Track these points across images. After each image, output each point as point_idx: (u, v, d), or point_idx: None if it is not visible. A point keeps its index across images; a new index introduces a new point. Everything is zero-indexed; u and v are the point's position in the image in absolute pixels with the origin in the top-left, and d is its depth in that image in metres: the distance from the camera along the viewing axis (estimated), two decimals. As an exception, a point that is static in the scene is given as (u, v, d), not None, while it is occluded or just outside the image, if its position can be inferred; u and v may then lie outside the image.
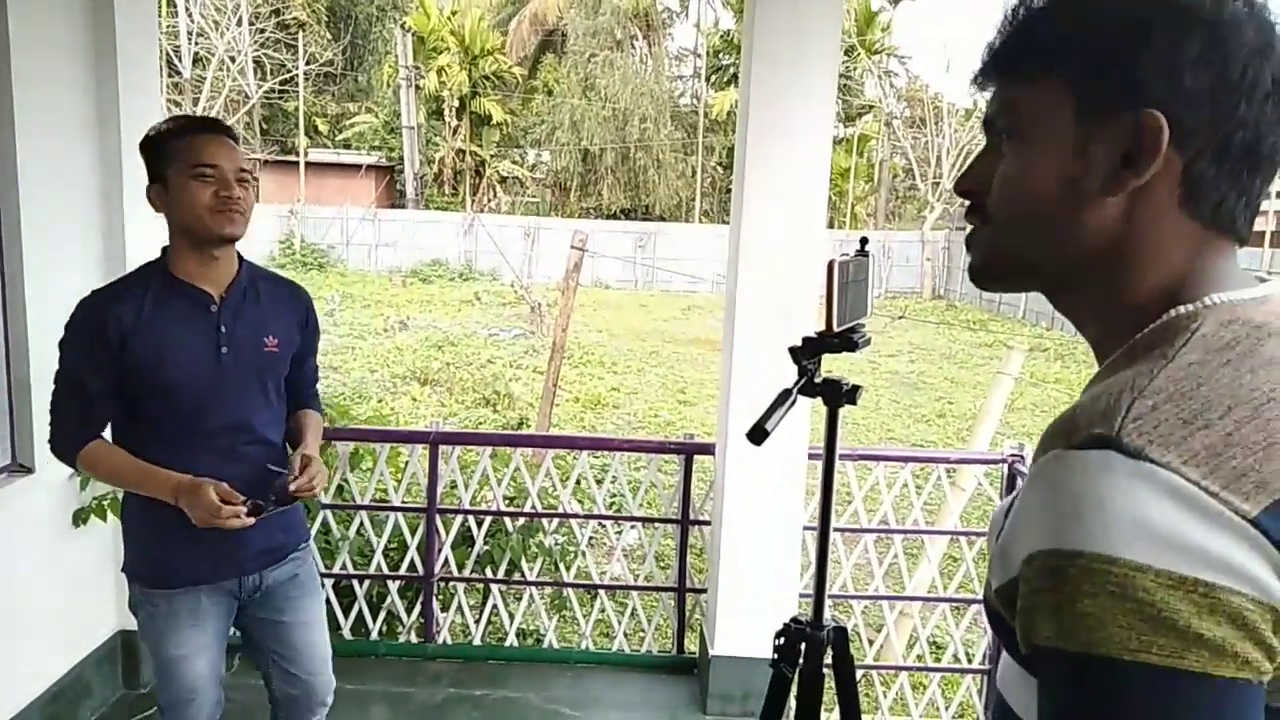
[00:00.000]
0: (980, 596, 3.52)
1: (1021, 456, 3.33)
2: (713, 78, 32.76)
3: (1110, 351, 0.68)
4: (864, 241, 1.20)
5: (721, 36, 32.99)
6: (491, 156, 30.40)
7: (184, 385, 1.84)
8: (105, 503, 2.85)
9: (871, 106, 31.85)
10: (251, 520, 1.80)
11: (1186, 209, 0.65)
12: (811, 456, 2.96)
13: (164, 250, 1.91)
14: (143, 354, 1.81)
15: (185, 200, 1.81)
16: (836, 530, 3.55)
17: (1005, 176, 0.70)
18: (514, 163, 31.13)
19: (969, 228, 0.74)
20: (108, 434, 1.92)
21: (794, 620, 1.41)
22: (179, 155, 1.81)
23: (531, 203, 31.22)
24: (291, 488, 1.87)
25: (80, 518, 2.82)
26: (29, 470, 2.63)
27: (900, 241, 26.89)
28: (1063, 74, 0.66)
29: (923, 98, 30.02)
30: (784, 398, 1.14)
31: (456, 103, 29.65)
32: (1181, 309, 0.64)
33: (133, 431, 1.88)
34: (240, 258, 1.97)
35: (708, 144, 30.94)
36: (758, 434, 1.02)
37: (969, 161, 0.74)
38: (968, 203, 0.74)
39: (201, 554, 1.90)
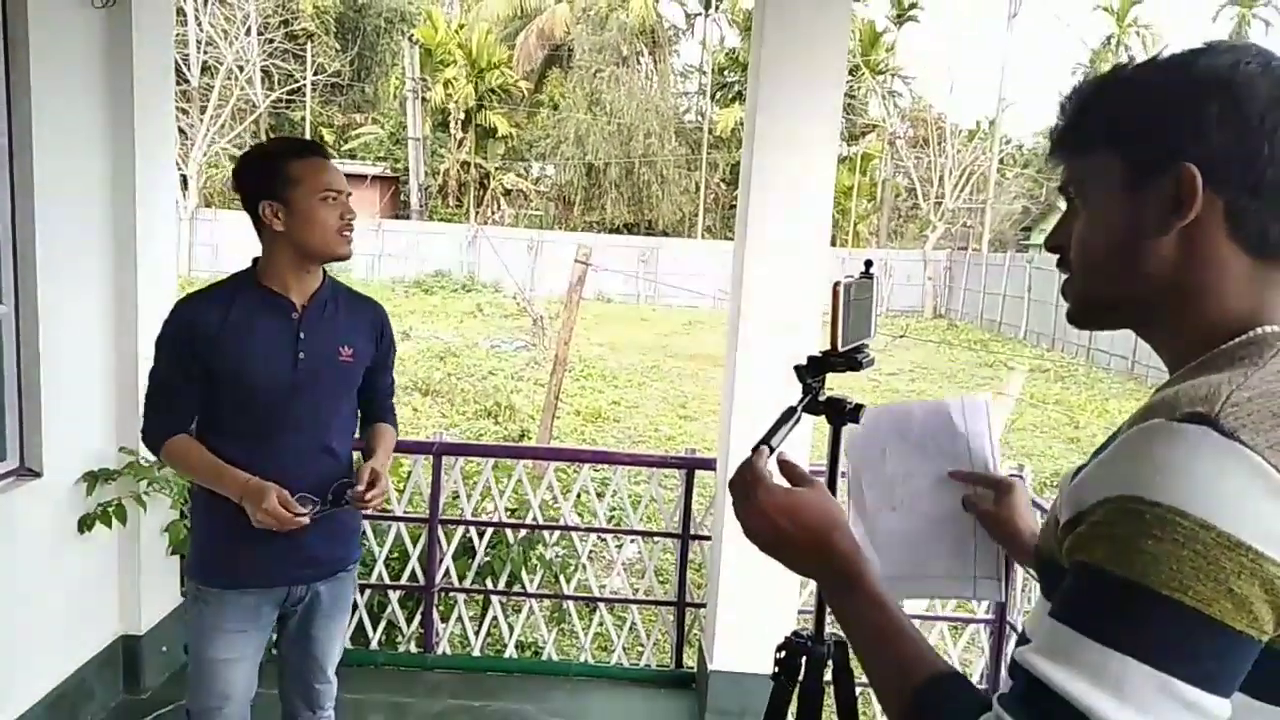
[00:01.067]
0: (979, 616, 3.53)
1: (1021, 476, 3.34)
2: (718, 94, 32.95)
3: (1185, 362, 0.79)
4: (869, 264, 1.23)
5: (727, 54, 33.21)
6: (496, 169, 30.53)
7: (262, 388, 1.91)
8: (110, 509, 2.87)
9: (875, 126, 32.02)
10: (306, 520, 1.86)
11: (1235, 241, 0.76)
12: (813, 473, 2.98)
13: (255, 260, 2.00)
14: (226, 356, 1.90)
15: (314, 221, 1.91)
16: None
17: (1079, 232, 0.84)
18: (518, 175, 31.27)
19: (1063, 276, 0.89)
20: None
21: (795, 634, 1.43)
22: (306, 178, 1.90)
23: (535, 216, 31.33)
24: (354, 498, 1.92)
25: (86, 524, 2.83)
26: (37, 474, 2.65)
27: (902, 260, 26.97)
28: (1112, 147, 0.80)
29: (926, 118, 30.19)
30: (788, 415, 1.16)
31: (462, 115, 29.81)
32: (1270, 329, 0.76)
33: (213, 430, 1.96)
34: (325, 272, 2.05)
35: (711, 160, 31.08)
36: (760, 450, 1.04)
37: (1055, 222, 0.89)
38: (1058, 256, 0.89)
39: (260, 556, 1.95)
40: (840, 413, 1.26)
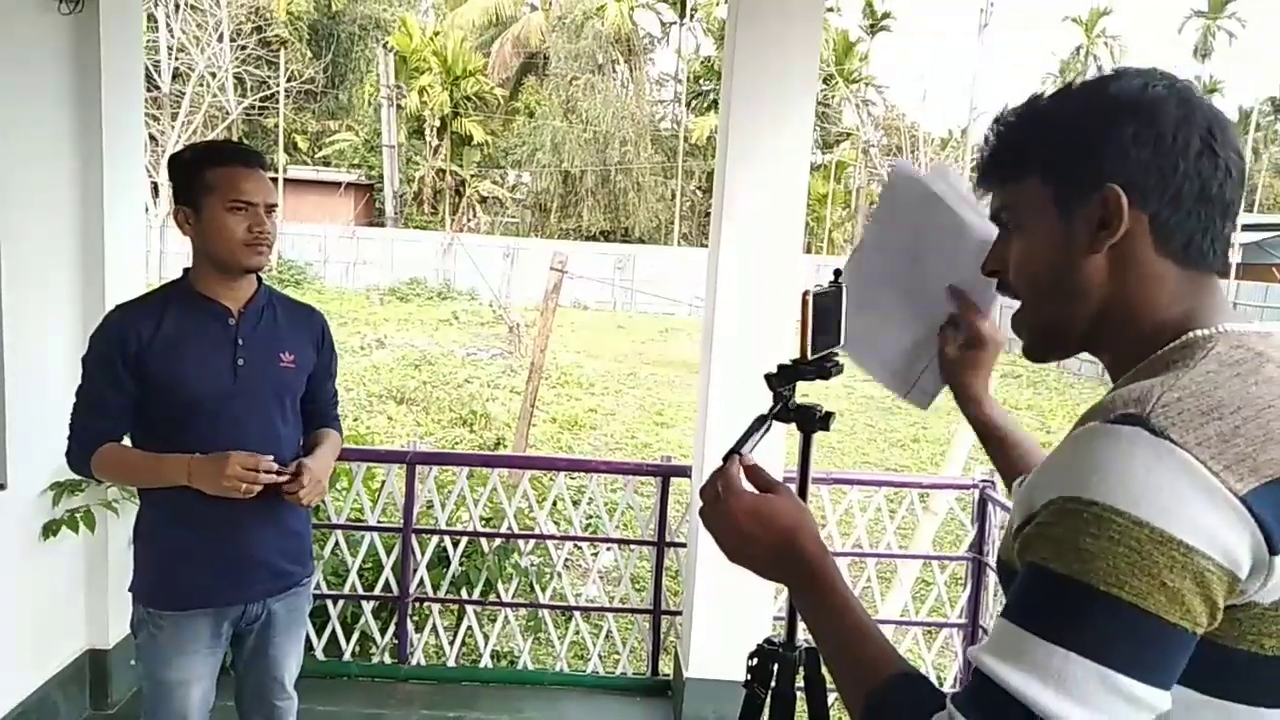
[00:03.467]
0: (952, 621, 3.56)
1: (992, 482, 3.39)
2: (693, 103, 33.12)
3: (1125, 370, 0.83)
4: (838, 273, 1.24)
5: (702, 63, 33.39)
6: (472, 176, 30.47)
7: (201, 396, 1.87)
8: (79, 515, 2.82)
9: (849, 134, 32.32)
10: (270, 475, 1.82)
11: (1162, 252, 0.80)
12: (786, 480, 2.99)
13: (185, 270, 1.96)
14: (161, 366, 1.85)
15: (219, 232, 1.85)
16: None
17: (1016, 257, 0.88)
18: (494, 183, 31.22)
19: (1016, 306, 0.92)
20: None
21: (767, 641, 1.43)
22: (216, 186, 1.85)
23: (511, 223, 31.28)
24: (284, 487, 1.87)
25: (51, 530, 2.78)
26: (2, 486, 2.60)
27: (877, 267, 27.15)
28: (1038, 174, 0.84)
29: (899, 126, 30.51)
30: (759, 423, 1.17)
31: (438, 122, 29.73)
32: (1199, 332, 0.79)
33: (150, 446, 1.91)
34: (259, 278, 2.01)
35: (687, 168, 31.21)
36: (732, 459, 1.05)
37: (990, 248, 0.92)
38: (996, 280, 0.92)
39: (211, 577, 1.92)
40: (811, 420, 1.27)
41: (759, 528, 0.93)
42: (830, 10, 32.35)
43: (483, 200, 30.70)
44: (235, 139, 25.61)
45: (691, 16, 33.12)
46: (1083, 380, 17.46)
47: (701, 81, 32.94)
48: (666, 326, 22.11)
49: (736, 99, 2.89)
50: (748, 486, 0.99)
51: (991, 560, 3.30)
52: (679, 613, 3.52)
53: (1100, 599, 0.66)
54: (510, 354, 15.74)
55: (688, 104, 33.22)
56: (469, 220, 29.92)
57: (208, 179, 1.86)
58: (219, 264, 1.91)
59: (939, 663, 3.68)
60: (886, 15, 33.88)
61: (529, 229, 30.86)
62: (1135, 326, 0.82)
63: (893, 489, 3.79)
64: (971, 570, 3.47)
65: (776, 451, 2.91)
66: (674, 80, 35.48)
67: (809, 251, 29.36)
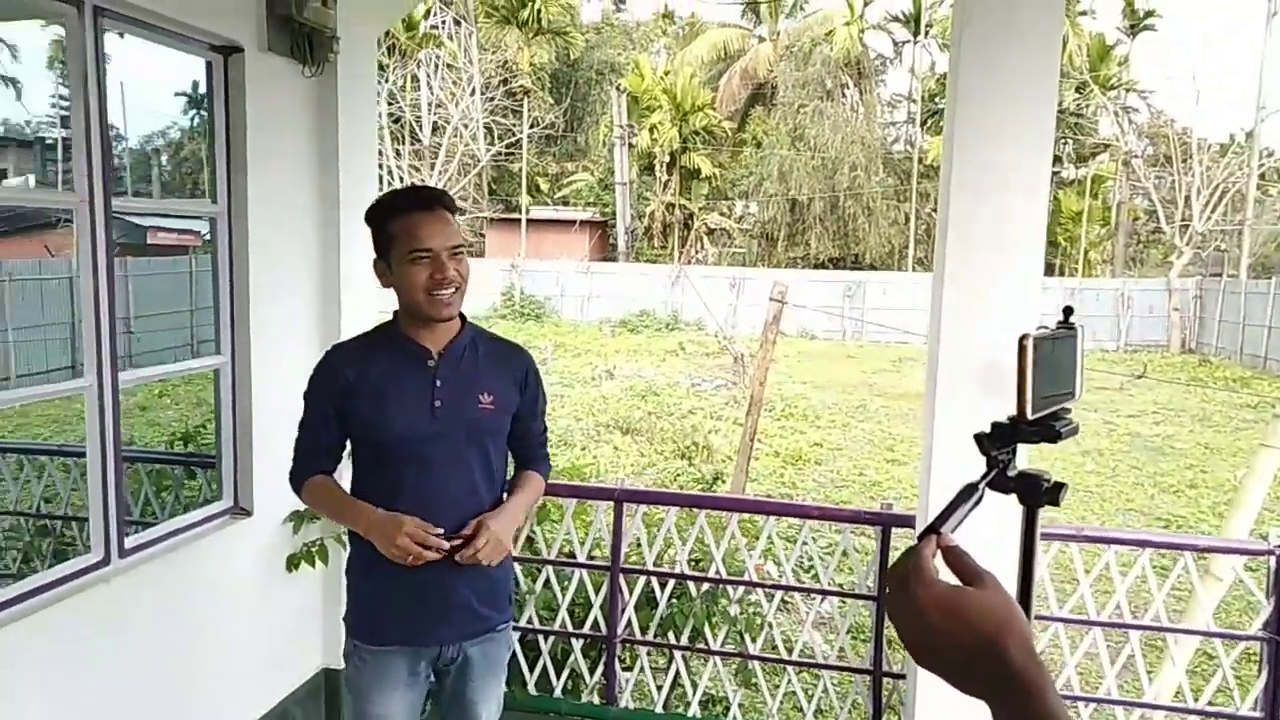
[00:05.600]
0: (1243, 714, 2.98)
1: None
2: (928, 121, 31.71)
3: None
4: (1068, 311, 1.00)
5: (938, 80, 31.92)
6: (700, 209, 30.97)
7: (399, 435, 1.92)
8: (314, 549, 3.03)
9: (1107, 145, 29.51)
10: (435, 554, 1.84)
11: None
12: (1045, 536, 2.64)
13: (395, 313, 2.04)
14: (364, 404, 1.93)
15: (405, 282, 1.91)
16: (1059, 621, 3.15)
17: None
18: (721, 214, 31.53)
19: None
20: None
21: None
22: (398, 237, 1.90)
23: (738, 253, 31.39)
24: (456, 555, 1.87)
25: (293, 563, 3.00)
26: (248, 514, 2.84)
27: (1142, 290, 24.47)
28: None
29: (1168, 133, 27.39)
30: (967, 493, 0.97)
31: (667, 158, 30.56)
32: None
33: (357, 480, 2.01)
34: (463, 318, 2.04)
35: (922, 190, 29.86)
36: (928, 539, 0.86)
37: None
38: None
39: (408, 616, 1.96)
40: (1035, 492, 1.03)
41: (953, 626, 0.76)
42: (1084, 14, 29.89)
43: (710, 232, 31.08)
44: (485, 184, 27.77)
45: (926, 33, 31.82)
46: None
47: (937, 99, 31.48)
48: (899, 356, 21.09)
49: (962, 111, 2.61)
50: (946, 574, 0.82)
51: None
52: (903, 676, 3.21)
53: None
54: (734, 384, 15.66)
55: (922, 123, 31.86)
56: (697, 252, 30.38)
57: (390, 230, 1.91)
58: (409, 313, 1.96)
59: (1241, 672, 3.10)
60: (1150, 14, 30.72)
61: (756, 259, 30.81)
62: None
63: (1160, 551, 3.27)
64: (1269, 653, 2.89)
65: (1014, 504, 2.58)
66: (907, 100, 34.23)
67: (1060, 274, 27.04)
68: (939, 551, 0.85)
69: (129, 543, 2.46)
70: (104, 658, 2.34)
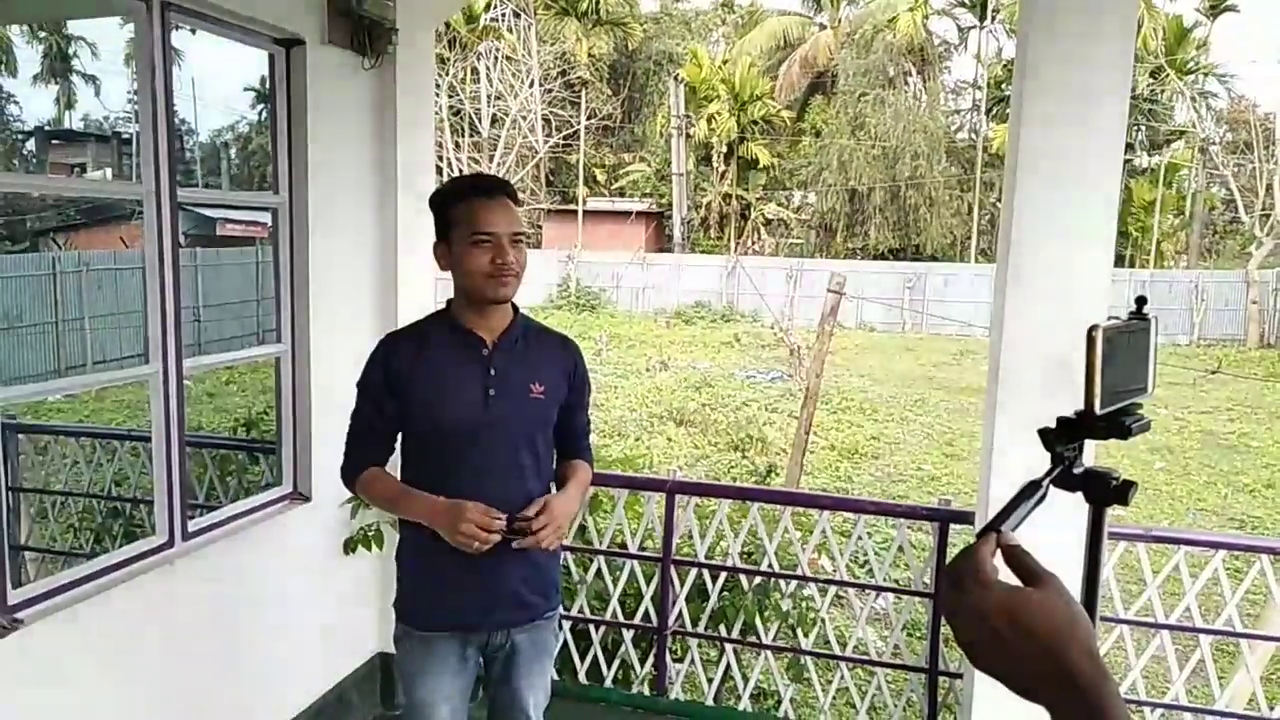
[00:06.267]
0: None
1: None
2: (994, 109, 30.89)
3: None
4: (1140, 302, 0.95)
5: (1004, 66, 31.08)
6: (757, 200, 30.70)
7: (453, 422, 1.94)
8: (370, 534, 3.07)
9: (1183, 132, 28.42)
10: (498, 535, 1.83)
11: None
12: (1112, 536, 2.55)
13: (448, 301, 2.05)
14: (418, 392, 1.95)
15: (465, 264, 1.92)
16: (1125, 623, 3.05)
17: None
18: (779, 205, 31.20)
19: None
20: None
21: None
22: (460, 220, 1.92)
23: (796, 244, 31.04)
24: (519, 525, 1.86)
25: (349, 546, 3.05)
26: (306, 499, 2.90)
27: (1218, 282, 23.54)
28: None
29: (1249, 119, 26.27)
30: (1030, 491, 0.93)
31: (725, 148, 30.33)
32: None
33: (408, 468, 2.02)
34: (515, 308, 2.06)
35: (986, 179, 29.14)
36: (987, 537, 0.83)
37: None
38: None
39: (456, 602, 1.98)
40: (1102, 490, 0.99)
41: (1013, 631, 0.73)
42: (1159, -5, 28.80)
43: (767, 222, 30.79)
44: (542, 175, 27.93)
45: (993, 18, 30.97)
46: None
47: (1003, 86, 30.64)
48: (961, 349, 20.64)
49: (1029, 97, 2.53)
50: (1006, 573, 0.78)
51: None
52: (959, 675, 3.14)
53: None
54: (790, 377, 15.51)
55: (988, 111, 31.05)
56: (754, 243, 30.14)
57: (453, 215, 1.93)
58: (470, 296, 1.97)
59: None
60: (1232, -7, 29.46)
61: (814, 250, 30.43)
62: None
63: (1234, 553, 3.13)
64: (1349, 664, 2.75)
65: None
66: (972, 88, 33.42)
67: (1131, 265, 26.14)
68: (999, 550, 0.82)
69: (192, 526, 2.53)
70: (166, 638, 2.41)
